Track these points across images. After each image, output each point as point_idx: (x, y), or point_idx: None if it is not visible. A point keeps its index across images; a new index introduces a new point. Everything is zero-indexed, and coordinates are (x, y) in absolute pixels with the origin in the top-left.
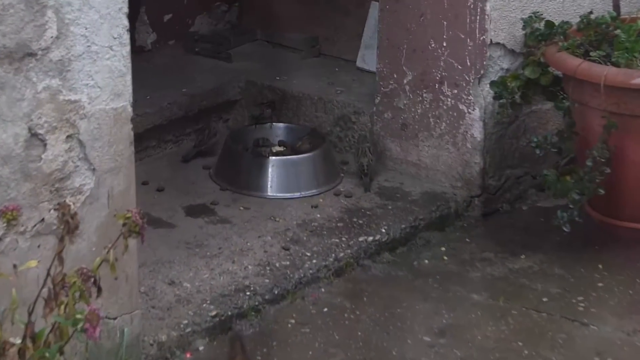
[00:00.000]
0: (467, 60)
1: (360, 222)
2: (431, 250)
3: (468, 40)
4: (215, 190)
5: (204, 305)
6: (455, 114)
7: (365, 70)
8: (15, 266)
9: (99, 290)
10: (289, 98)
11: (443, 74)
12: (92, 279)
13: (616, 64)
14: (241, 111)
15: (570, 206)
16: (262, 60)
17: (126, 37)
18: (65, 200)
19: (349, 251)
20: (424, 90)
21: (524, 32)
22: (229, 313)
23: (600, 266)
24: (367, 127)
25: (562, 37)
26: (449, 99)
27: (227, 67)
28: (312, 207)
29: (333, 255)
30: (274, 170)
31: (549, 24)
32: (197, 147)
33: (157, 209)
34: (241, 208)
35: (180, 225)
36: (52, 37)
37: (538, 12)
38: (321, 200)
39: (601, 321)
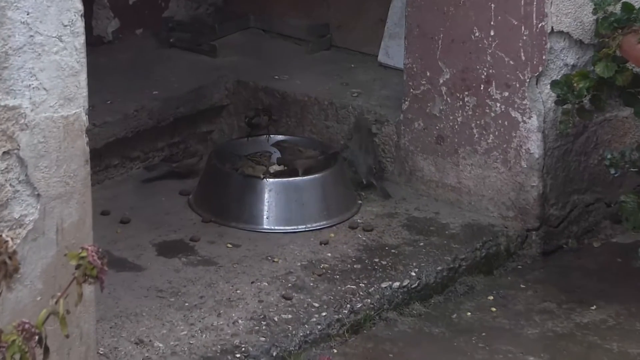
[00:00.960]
0: (522, 54)
1: (384, 263)
2: (475, 300)
3: (522, 27)
4: (195, 223)
5: None
6: (506, 123)
7: (389, 67)
8: None
9: (46, 351)
10: (291, 103)
11: (490, 71)
12: (37, 337)
13: None
14: (229, 120)
15: None
16: (255, 54)
17: (80, 25)
18: (1, 235)
19: (368, 301)
20: (466, 93)
21: (594, 17)
22: None
23: None
24: (392, 139)
25: None
26: (498, 104)
27: (211, 63)
28: (320, 243)
29: (348, 306)
30: (271, 195)
31: (628, 7)
32: (166, 162)
33: (120, 246)
34: (229, 245)
35: (150, 267)
36: None
37: None
38: (332, 235)
39: None
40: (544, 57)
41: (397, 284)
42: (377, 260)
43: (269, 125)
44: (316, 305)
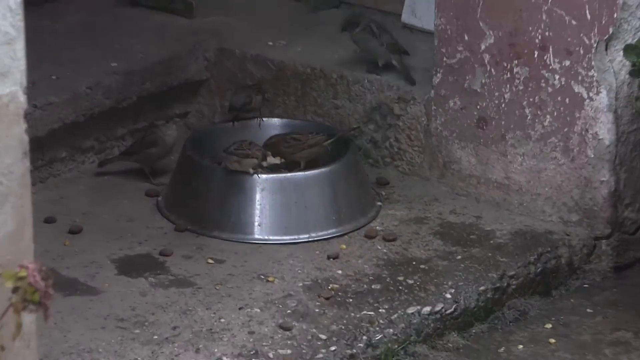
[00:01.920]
0: (586, 11)
1: (410, 282)
2: (529, 329)
3: None
4: (166, 232)
5: None
6: (567, 100)
7: (415, 29)
8: None
9: None
10: (290, 77)
11: (546, 34)
12: None
13: None
14: (209, 99)
15: None
16: (243, 13)
17: None
18: None
19: (390, 331)
20: (515, 62)
21: None
22: None
23: None
24: (420, 122)
25: None
26: (557, 77)
27: (186, 25)
28: (328, 257)
29: (364, 337)
30: (264, 196)
31: None
32: (127, 155)
33: (70, 263)
34: (210, 261)
35: (108, 290)
36: None
37: None
38: (344, 246)
39: None
40: (615, 15)
41: (427, 309)
42: (401, 278)
43: (261, 106)
44: (323, 337)
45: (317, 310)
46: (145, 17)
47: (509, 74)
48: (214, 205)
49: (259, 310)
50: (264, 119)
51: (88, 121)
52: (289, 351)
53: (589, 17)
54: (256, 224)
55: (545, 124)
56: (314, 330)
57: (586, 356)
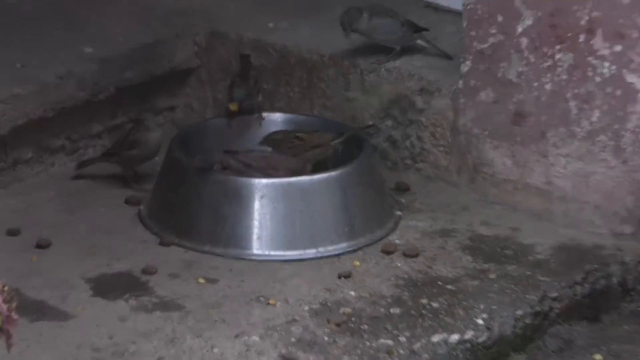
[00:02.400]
0: None
1: (435, 305)
2: None
3: None
4: (150, 246)
5: None
6: (618, 92)
7: (440, 8)
8: None
9: None
10: (294, 64)
11: (594, 14)
12: None
13: None
14: (199, 91)
15: None
16: None
17: None
18: None
19: None
20: (557, 47)
21: None
22: None
23: None
24: (447, 117)
25: None
26: (607, 64)
27: (173, 5)
28: (339, 276)
29: None
30: (264, 204)
31: None
32: (105, 156)
33: (37, 282)
34: (201, 280)
35: (82, 314)
36: None
37: None
38: (357, 263)
39: None
40: None
41: (455, 337)
42: (425, 301)
43: (259, 99)
44: None
45: (326, 338)
46: None
47: (550, 61)
48: (206, 215)
49: (258, 338)
50: (265, 114)
51: (58, 116)
52: None
53: None
54: (255, 237)
55: (593, 119)
56: None
57: None
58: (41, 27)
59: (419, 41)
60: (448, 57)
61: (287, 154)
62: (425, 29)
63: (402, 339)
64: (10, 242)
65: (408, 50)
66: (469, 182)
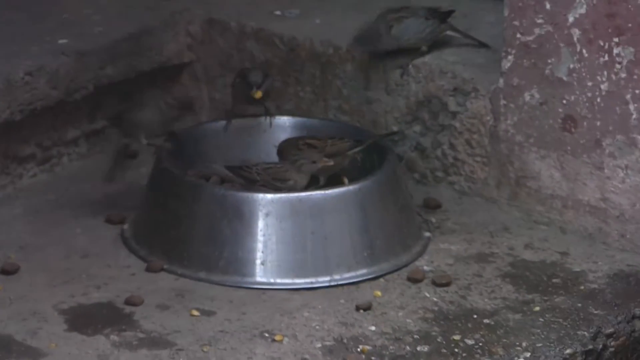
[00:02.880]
0: None
1: (470, 342)
2: None
3: None
4: (135, 272)
5: None
6: None
7: None
8: None
9: None
10: (305, 59)
11: None
12: None
13: None
14: (194, 89)
15: None
16: None
17: None
18: None
19: None
20: (616, 40)
21: None
22: None
23: None
24: (485, 122)
25: None
26: None
27: None
28: (357, 309)
29: None
30: (270, 224)
31: None
32: (116, 167)
33: (3, 314)
34: (195, 313)
35: (56, 351)
36: None
37: None
38: (379, 293)
39: None
40: None
41: None
42: (457, 337)
43: (267, 100)
44: None
45: None
46: None
47: (606, 56)
48: (201, 236)
49: None
50: (273, 118)
51: (27, 120)
52: None
53: None
54: (258, 262)
55: None
56: None
57: None
58: (7, 16)
59: (448, 32)
60: (484, 45)
61: (295, 164)
62: (452, 11)
63: None
64: None
65: (435, 44)
66: (510, 198)
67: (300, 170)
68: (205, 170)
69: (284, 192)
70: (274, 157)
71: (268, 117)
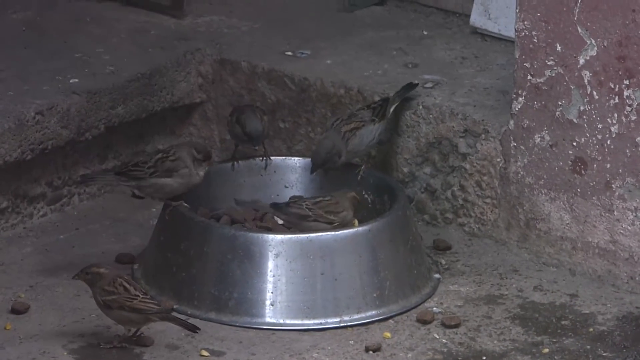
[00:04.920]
0: None
1: None
2: None
3: None
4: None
5: None
6: None
7: (489, 35)
8: None
9: None
10: (315, 99)
11: None
12: None
13: None
14: (204, 129)
15: None
16: (252, 11)
17: None
18: None
19: None
20: (626, 82)
21: None
22: None
23: None
24: (495, 164)
25: None
26: None
27: (175, 27)
28: (367, 350)
29: None
30: (280, 264)
31: None
32: (123, 173)
33: (12, 353)
34: (205, 353)
35: None
36: None
37: None
38: (388, 334)
39: None
40: None
41: None
42: None
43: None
44: None
45: None
46: (118, 15)
47: (617, 98)
48: (211, 277)
49: None
50: (279, 158)
51: (38, 159)
52: None
53: None
54: (268, 302)
55: None
56: None
57: None
58: (18, 53)
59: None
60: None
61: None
62: (386, 99)
63: None
64: None
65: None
66: (520, 240)
67: (350, 202)
68: (216, 209)
69: (292, 233)
70: (285, 197)
71: (265, 159)
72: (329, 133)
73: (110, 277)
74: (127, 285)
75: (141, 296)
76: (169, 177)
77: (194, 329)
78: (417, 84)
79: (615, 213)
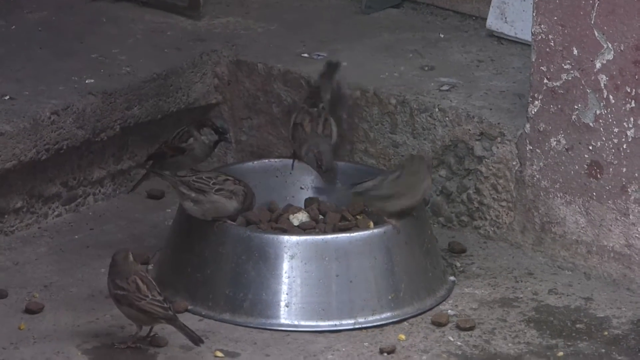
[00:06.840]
0: None
1: None
2: None
3: None
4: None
5: None
6: None
7: (505, 39)
8: None
9: None
10: (333, 100)
11: None
12: None
13: None
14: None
15: None
16: (268, 13)
17: None
18: None
19: None
20: None
21: None
22: None
23: None
24: (511, 167)
25: None
26: None
27: (190, 29)
28: (381, 352)
29: None
30: (295, 266)
31: None
32: (161, 152)
33: (26, 353)
34: (219, 354)
35: None
36: None
37: None
38: (403, 336)
39: None
40: None
41: None
42: None
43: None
44: None
45: None
46: (133, 16)
47: (633, 102)
48: (226, 278)
49: None
50: (295, 161)
51: (53, 159)
52: None
53: None
54: (283, 304)
55: None
56: None
57: None
58: (33, 54)
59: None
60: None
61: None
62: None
63: None
64: None
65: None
66: (535, 244)
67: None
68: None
69: (309, 235)
70: (300, 199)
71: (293, 160)
72: (311, 138)
73: (127, 272)
74: (140, 284)
75: (150, 297)
76: (230, 198)
77: (197, 341)
78: (338, 62)
79: (631, 217)
